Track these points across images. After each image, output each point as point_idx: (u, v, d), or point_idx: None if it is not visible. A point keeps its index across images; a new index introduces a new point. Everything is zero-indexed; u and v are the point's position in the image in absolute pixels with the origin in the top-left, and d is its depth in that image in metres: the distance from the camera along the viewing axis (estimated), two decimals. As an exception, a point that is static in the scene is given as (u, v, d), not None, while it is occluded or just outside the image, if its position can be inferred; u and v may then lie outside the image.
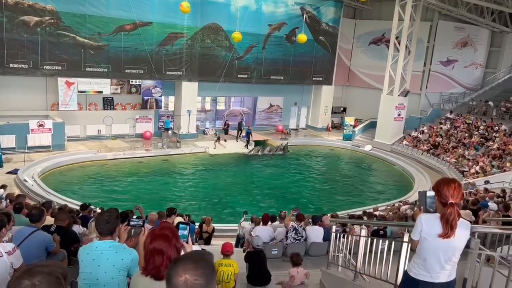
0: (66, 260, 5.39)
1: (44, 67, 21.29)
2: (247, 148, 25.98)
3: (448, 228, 3.11)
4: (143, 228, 3.47)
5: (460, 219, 3.21)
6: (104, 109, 24.72)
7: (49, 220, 6.17)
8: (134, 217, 3.79)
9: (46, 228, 5.50)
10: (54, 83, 22.46)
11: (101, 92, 24.19)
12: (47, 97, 22.96)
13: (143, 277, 2.73)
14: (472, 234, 3.79)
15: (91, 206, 11.22)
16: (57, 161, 20.10)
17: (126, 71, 23.61)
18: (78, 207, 11.00)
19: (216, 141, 25.86)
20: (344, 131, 30.37)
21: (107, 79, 23.85)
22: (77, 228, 6.78)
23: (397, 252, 4.78)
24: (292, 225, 9.21)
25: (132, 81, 24.97)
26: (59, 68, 21.76)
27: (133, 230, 3.54)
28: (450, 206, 3.12)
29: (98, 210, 11.04)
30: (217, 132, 26.91)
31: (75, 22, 21.62)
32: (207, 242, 11.38)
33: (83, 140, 23.51)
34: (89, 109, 24.28)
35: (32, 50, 20.77)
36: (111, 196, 17.21)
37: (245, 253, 6.99)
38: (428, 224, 3.25)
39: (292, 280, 6.58)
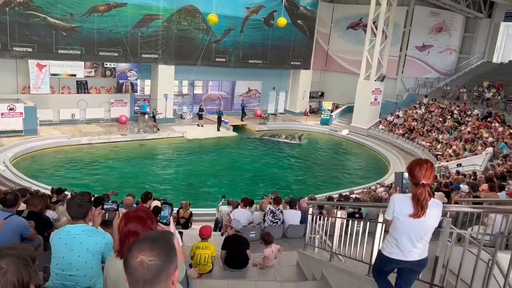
0: (42, 246, 5.28)
1: (14, 48, 20.55)
2: (219, 130, 25.89)
3: (419, 208, 3.18)
4: (117, 212, 3.41)
5: (432, 199, 3.28)
6: (78, 93, 24.15)
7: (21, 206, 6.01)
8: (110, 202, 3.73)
9: (18, 214, 5.36)
10: (24, 65, 21.73)
11: (74, 75, 23.59)
12: (17, 80, 22.22)
13: (118, 260, 2.71)
14: (444, 214, 3.89)
15: (65, 192, 11.00)
16: (29, 146, 19.59)
17: (100, 53, 23.03)
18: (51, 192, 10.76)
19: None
20: (322, 115, 30.58)
21: (81, 61, 23.26)
22: (51, 214, 6.64)
23: (372, 234, 4.88)
24: (269, 208, 9.28)
25: (106, 64, 24.42)
26: (30, 50, 21.04)
27: (107, 214, 3.48)
28: (421, 186, 3.18)
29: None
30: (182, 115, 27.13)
31: (45, 2, 20.85)
32: (185, 227, 11.35)
33: (56, 125, 22.95)
34: (62, 93, 23.68)
35: (1, 31, 19.99)
36: (86, 182, 16.93)
37: (224, 238, 6.97)
38: (400, 204, 3.31)
39: (266, 260, 6.65)
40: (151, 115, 24.81)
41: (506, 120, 23.59)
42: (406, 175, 3.47)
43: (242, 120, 28.81)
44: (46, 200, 7.81)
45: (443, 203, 3.92)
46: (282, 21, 23.08)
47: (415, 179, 3.24)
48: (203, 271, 6.29)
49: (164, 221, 3.46)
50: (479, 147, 20.75)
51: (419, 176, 3.20)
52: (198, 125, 26.56)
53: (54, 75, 22.81)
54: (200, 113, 27.06)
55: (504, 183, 9.37)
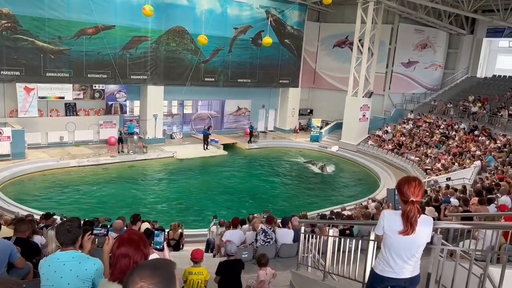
0: (32, 273, 5.17)
1: (1, 72, 20.46)
2: (206, 149, 25.84)
3: (408, 225, 3.20)
4: (107, 237, 3.38)
5: (422, 215, 3.30)
6: (67, 115, 24.01)
7: (6, 232, 5.91)
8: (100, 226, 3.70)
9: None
10: (12, 89, 21.62)
11: (63, 97, 23.51)
12: (4, 104, 22.06)
13: (110, 283, 2.68)
14: (435, 230, 3.91)
15: (54, 216, 10.85)
16: (17, 170, 19.34)
17: (88, 75, 23.02)
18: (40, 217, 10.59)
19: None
20: (311, 132, 30.75)
21: (69, 84, 23.20)
22: (39, 239, 6.52)
23: (365, 251, 4.87)
24: (261, 228, 9.22)
25: (95, 86, 24.41)
26: (18, 73, 20.97)
27: (96, 239, 3.44)
28: (410, 203, 3.21)
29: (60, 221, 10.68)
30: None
31: (33, 26, 20.89)
32: (176, 248, 11.22)
33: (44, 148, 22.71)
34: (50, 116, 23.52)
35: (-12, 55, 19.93)
36: (76, 205, 16.70)
37: (218, 265, 6.84)
38: (389, 221, 3.33)
39: (261, 284, 6.57)
40: (140, 136, 24.65)
41: (492, 133, 23.95)
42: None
43: (250, 142, 28.48)
44: (34, 225, 7.68)
45: (433, 218, 3.94)
46: (267, 40, 23.34)
47: (404, 197, 3.26)
48: (196, 295, 6.18)
49: (159, 247, 3.44)
50: (467, 161, 20.98)
51: (408, 194, 3.23)
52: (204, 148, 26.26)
53: (42, 98, 22.70)
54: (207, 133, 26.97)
55: (493, 196, 9.46)
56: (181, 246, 11.52)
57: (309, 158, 26.23)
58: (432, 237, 3.52)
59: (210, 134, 27.05)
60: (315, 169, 24.60)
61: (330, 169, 24.72)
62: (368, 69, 27.61)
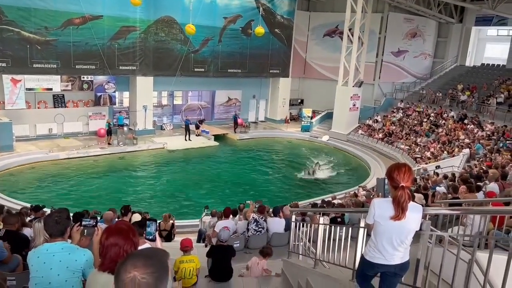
0: (21, 266, 5.14)
1: (-13, 64, 20.13)
2: (188, 140, 25.69)
3: (400, 210, 3.23)
4: (96, 228, 3.36)
5: (412, 203, 3.33)
6: (55, 107, 23.74)
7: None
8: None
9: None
10: (-2, 80, 21.29)
11: (50, 89, 23.25)
12: (-9, 96, 21.75)
13: (101, 273, 2.67)
14: (424, 216, 3.95)
15: (44, 209, 10.75)
16: (5, 162, 19.11)
17: (76, 67, 22.74)
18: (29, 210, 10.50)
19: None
20: (302, 122, 30.79)
21: (57, 75, 22.93)
22: (28, 231, 6.47)
23: (355, 238, 4.91)
24: (253, 217, 9.25)
25: (83, 77, 24.13)
26: (4, 65, 20.64)
27: (85, 230, 3.42)
28: (401, 189, 3.24)
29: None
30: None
31: (19, 16, 20.51)
32: (168, 239, 11.22)
33: (33, 140, 22.46)
34: (38, 107, 23.24)
35: (-28, 46, 19.57)
36: (65, 197, 16.60)
37: (209, 248, 6.92)
38: (380, 208, 3.36)
39: (248, 270, 6.62)
40: (130, 127, 24.46)
41: (480, 121, 24.19)
42: (387, 180, 3.52)
43: (234, 132, 28.73)
44: (23, 218, 7.62)
45: (422, 205, 3.98)
46: (259, 30, 23.26)
47: (395, 182, 3.29)
48: (188, 285, 6.21)
49: (150, 237, 3.43)
50: (456, 149, 21.20)
51: (398, 179, 3.26)
52: (197, 135, 26.50)
53: (30, 89, 22.41)
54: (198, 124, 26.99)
55: (481, 184, 9.58)
56: (172, 237, 11.53)
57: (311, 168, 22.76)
58: (421, 224, 3.55)
59: (200, 127, 26.93)
60: (303, 174, 21.94)
61: (318, 170, 22.33)
62: (358, 58, 27.63)
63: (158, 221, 11.56)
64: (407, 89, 32.05)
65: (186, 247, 6.39)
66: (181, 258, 6.29)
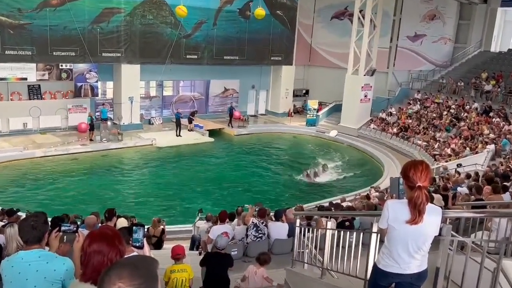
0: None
1: (-47, 50, 20.10)
2: (179, 135, 25.76)
3: (416, 213, 3.23)
4: (77, 234, 3.35)
5: (430, 204, 3.33)
6: (30, 99, 23.74)
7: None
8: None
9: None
10: (-34, 69, 21.27)
11: (25, 79, 23.21)
12: (-42, 87, 21.75)
13: (83, 284, 2.66)
14: (444, 220, 3.96)
15: (18, 213, 10.76)
16: (-26, 161, 19.13)
17: (54, 53, 22.68)
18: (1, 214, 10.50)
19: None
20: (307, 116, 30.79)
21: (32, 63, 22.90)
22: (1, 238, 6.47)
23: (367, 245, 4.92)
24: (252, 222, 9.25)
25: (62, 65, 24.09)
26: (-28, 51, 20.64)
27: (65, 236, 3.41)
28: (417, 189, 3.24)
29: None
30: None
31: (-12, -3, 20.49)
32: (157, 246, 11.24)
33: (6, 136, 22.47)
34: (11, 99, 23.22)
35: None
36: (42, 200, 16.62)
37: (203, 255, 6.93)
38: (394, 210, 3.36)
39: (245, 282, 6.62)
40: (88, 123, 23.99)
41: (507, 114, 24.18)
42: (402, 180, 3.52)
43: (230, 126, 28.78)
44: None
45: (441, 207, 3.98)
46: (260, 12, 23.21)
47: (410, 182, 3.29)
48: (180, 296, 6.23)
49: (138, 244, 3.43)
50: (480, 145, 21.21)
51: (415, 179, 3.26)
52: (189, 130, 26.65)
53: (2, 79, 22.38)
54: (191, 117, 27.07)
55: (507, 184, 9.59)
56: (162, 244, 11.55)
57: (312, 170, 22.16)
58: (440, 229, 3.55)
59: (193, 120, 26.96)
60: (302, 176, 21.50)
61: (325, 176, 21.92)
62: (370, 43, 27.58)
63: (146, 227, 11.59)
64: (425, 78, 32.01)
65: (178, 255, 6.40)
66: (172, 267, 6.29)
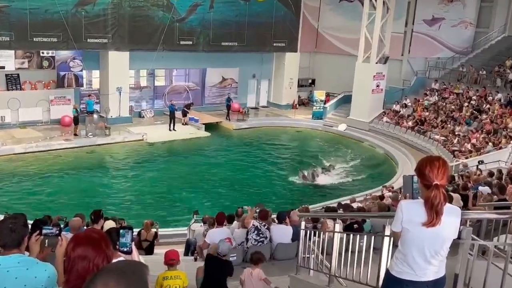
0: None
1: None
2: (172, 129, 25.82)
3: (433, 214, 3.22)
4: (59, 237, 3.35)
5: (449, 205, 3.33)
6: (8, 90, 23.75)
7: None
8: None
9: None
10: None
11: (3, 67, 23.27)
12: None
13: (65, 292, 2.67)
14: (463, 222, 3.95)
15: (-4, 215, 10.80)
16: None
17: (34, 39, 22.66)
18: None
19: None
20: (314, 108, 30.76)
21: (10, 50, 22.92)
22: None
23: (379, 250, 4.92)
24: (253, 224, 9.26)
25: (43, 53, 24.10)
26: None
27: (46, 240, 3.42)
28: (434, 188, 3.23)
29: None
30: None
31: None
32: (149, 251, 11.26)
33: (-19, 131, 22.54)
34: (-13, 90, 23.29)
35: None
36: (22, 201, 16.65)
37: (205, 256, 6.95)
38: (409, 212, 3.35)
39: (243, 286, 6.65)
40: (72, 116, 23.93)
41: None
42: (416, 178, 3.51)
43: (228, 119, 28.77)
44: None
45: (460, 207, 3.98)
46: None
47: (426, 180, 3.28)
48: (174, 306, 6.25)
49: (125, 249, 3.43)
50: (503, 140, 21.18)
51: (431, 176, 3.25)
52: (183, 124, 26.74)
53: (-23, 68, 22.44)
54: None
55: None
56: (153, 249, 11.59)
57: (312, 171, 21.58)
58: (460, 231, 3.55)
59: (188, 112, 26.94)
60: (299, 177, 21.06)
61: (322, 176, 21.34)
62: (383, 28, 27.50)
63: (137, 230, 11.62)
64: (443, 66, 31.92)
65: (171, 261, 6.42)
66: (165, 273, 6.31)
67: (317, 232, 7.29)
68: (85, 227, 8.23)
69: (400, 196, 12.54)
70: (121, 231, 3.42)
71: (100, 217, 7.79)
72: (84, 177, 19.63)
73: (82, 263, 2.60)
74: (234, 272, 7.01)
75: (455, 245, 3.66)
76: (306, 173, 21.10)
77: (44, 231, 3.44)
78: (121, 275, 1.59)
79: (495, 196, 9.56)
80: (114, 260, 2.77)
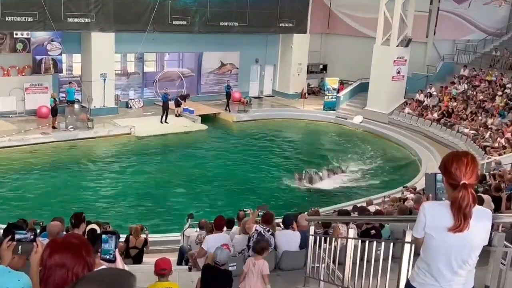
0: None
1: None
2: (164, 122, 25.98)
3: (461, 217, 3.20)
4: (34, 243, 3.36)
5: (478, 207, 3.31)
6: (-23, 76, 23.84)
7: None
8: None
9: None
10: None
11: (-30, 51, 23.32)
12: None
13: (40, 305, 2.68)
14: (495, 227, 3.94)
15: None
16: None
17: (7, 18, 22.65)
18: None
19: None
20: (325, 98, 30.73)
21: (-21, 31, 22.96)
22: None
23: (398, 259, 4.92)
24: (256, 229, 9.26)
25: (16, 34, 24.06)
26: None
27: (20, 246, 3.43)
28: (462, 188, 3.20)
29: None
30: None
31: None
32: (137, 260, 11.30)
33: None
34: (-46, 77, 23.36)
35: None
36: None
37: (202, 267, 6.99)
38: (433, 215, 3.33)
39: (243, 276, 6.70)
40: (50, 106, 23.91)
41: None
42: (440, 176, 3.50)
43: (227, 110, 28.82)
44: None
45: (491, 210, 3.96)
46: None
47: (453, 179, 3.26)
48: (165, 322, 6.28)
49: (108, 257, 3.43)
50: (543, 134, 21.14)
51: (458, 175, 3.23)
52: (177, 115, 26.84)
53: None
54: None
55: None
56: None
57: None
58: (491, 238, 3.54)
59: (181, 104, 26.88)
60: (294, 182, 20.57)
61: (326, 179, 20.98)
62: (404, 6, 27.43)
63: (125, 235, 11.66)
64: (474, 50, 31.83)
65: (163, 270, 6.42)
66: (156, 284, 6.32)
67: (328, 239, 7.28)
68: (64, 233, 8.26)
69: (422, 198, 12.54)
70: (103, 236, 3.42)
71: (81, 221, 7.81)
72: (64, 175, 19.64)
73: (59, 272, 2.60)
74: (234, 281, 7.04)
75: (486, 253, 3.65)
76: (303, 175, 20.61)
77: (17, 236, 3.45)
78: (105, 285, 1.59)
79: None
80: (96, 268, 2.78)
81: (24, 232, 3.52)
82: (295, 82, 32.81)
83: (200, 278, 7.00)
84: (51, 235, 7.70)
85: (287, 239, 9.28)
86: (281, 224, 10.01)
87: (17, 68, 24.78)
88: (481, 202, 5.91)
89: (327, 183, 20.70)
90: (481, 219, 3.31)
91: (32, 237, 3.47)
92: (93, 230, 8.13)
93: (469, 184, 3.21)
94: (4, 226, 9.36)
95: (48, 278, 2.64)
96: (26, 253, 3.42)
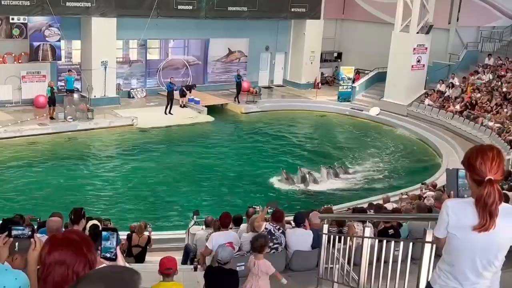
0: None
1: None
2: (169, 113, 26.00)
3: (486, 216, 3.18)
4: (32, 240, 3.38)
5: (505, 204, 3.29)
6: (-28, 64, 23.97)
7: None
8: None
9: None
10: None
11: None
12: None
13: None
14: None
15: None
16: None
17: (3, 2, 22.70)
18: None
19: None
20: (340, 88, 30.65)
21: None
22: None
23: (418, 260, 4.91)
24: (265, 227, 9.27)
25: (13, 19, 24.15)
26: None
27: (17, 243, 3.44)
28: (487, 184, 3.18)
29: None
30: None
31: None
32: (140, 259, 11.34)
33: None
34: None
35: None
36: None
37: (206, 268, 6.99)
38: (457, 214, 3.32)
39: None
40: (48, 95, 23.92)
41: None
42: (462, 172, 3.48)
43: (236, 101, 28.83)
44: None
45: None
46: None
47: (477, 175, 3.23)
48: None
49: (109, 255, 3.45)
50: None
51: (483, 170, 3.20)
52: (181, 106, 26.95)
53: None
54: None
55: None
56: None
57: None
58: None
59: (186, 94, 26.86)
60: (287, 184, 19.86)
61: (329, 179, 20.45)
62: (425, -10, 27.33)
63: (126, 233, 11.71)
64: (500, 38, 31.62)
65: (168, 269, 6.43)
66: (160, 284, 6.34)
67: (342, 238, 7.27)
68: (63, 229, 8.30)
69: (443, 195, 12.49)
70: (104, 233, 3.43)
71: (81, 216, 7.85)
72: (62, 169, 19.75)
73: (59, 270, 2.61)
74: (242, 281, 7.05)
75: (511, 254, 3.63)
76: (296, 174, 20.07)
77: (14, 232, 3.46)
78: (107, 283, 1.59)
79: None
80: (98, 266, 2.79)
81: (21, 228, 3.53)
82: (307, 71, 32.71)
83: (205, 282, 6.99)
84: (50, 231, 7.72)
85: (299, 238, 9.28)
86: (292, 222, 10.02)
87: (13, 55, 24.85)
88: (506, 199, 5.87)
89: (324, 185, 19.93)
90: (508, 217, 3.28)
91: (30, 233, 3.48)
92: (95, 226, 8.17)
93: (495, 180, 3.19)
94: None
95: (47, 276, 2.65)
96: (24, 250, 3.44)
